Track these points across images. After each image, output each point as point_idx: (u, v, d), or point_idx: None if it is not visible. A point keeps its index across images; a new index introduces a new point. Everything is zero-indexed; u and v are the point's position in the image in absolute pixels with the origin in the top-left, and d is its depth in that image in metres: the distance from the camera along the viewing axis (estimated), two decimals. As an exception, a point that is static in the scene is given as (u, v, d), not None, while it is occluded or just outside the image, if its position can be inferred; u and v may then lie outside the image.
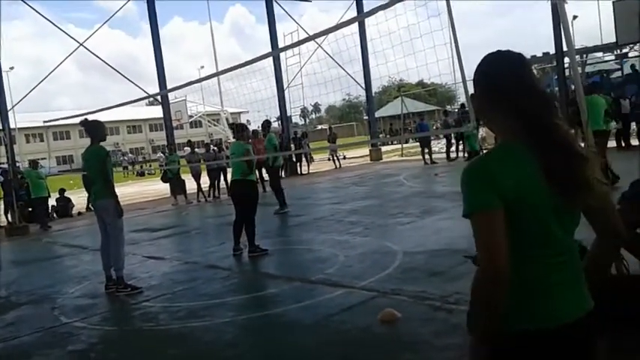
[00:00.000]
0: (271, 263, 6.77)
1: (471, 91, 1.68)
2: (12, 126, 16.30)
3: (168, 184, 16.62)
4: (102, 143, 6.21)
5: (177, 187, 16.07)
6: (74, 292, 6.35)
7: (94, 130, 6.18)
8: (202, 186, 15.79)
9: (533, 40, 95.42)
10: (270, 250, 7.25)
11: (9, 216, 14.38)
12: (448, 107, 39.79)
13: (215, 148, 19.05)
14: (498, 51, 1.63)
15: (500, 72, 1.57)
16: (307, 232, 8.72)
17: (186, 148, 22.61)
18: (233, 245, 7.34)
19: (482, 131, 19.88)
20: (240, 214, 7.31)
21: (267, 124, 12.62)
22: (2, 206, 14.85)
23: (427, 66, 8.85)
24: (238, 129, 8.03)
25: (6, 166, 15.90)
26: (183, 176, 16.28)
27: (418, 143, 20.50)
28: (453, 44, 4.49)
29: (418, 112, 30.98)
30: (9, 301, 6.35)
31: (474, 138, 15.37)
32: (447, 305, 4.33)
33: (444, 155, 19.14)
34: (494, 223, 1.44)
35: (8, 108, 15.89)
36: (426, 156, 18.49)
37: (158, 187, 19.21)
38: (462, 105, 18.15)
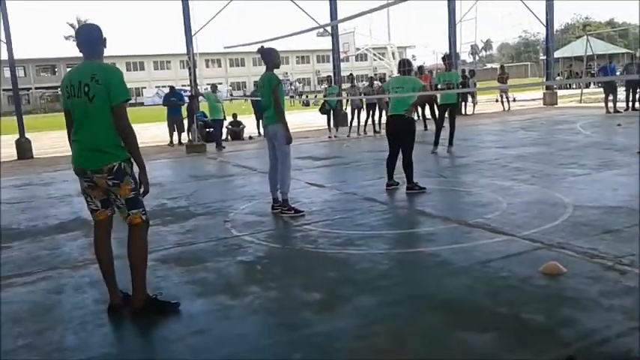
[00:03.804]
0: (428, 202, 6.72)
1: None
2: (195, 51, 17.60)
3: (325, 116, 16.85)
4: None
5: (336, 119, 16.36)
6: (244, 209, 6.89)
7: (269, 57, 6.40)
8: (362, 120, 15.97)
9: None
10: (429, 190, 7.19)
11: (190, 135, 15.85)
12: (641, 50, 35.21)
13: (379, 82, 18.94)
14: None
15: None
16: (468, 174, 8.49)
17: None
18: (387, 180, 7.42)
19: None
20: (395, 149, 7.33)
21: (445, 58, 12.13)
22: (186, 126, 16.35)
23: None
24: (405, 64, 7.88)
25: (189, 88, 17.38)
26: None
27: (601, 89, 18.62)
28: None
29: (604, 54, 27.87)
30: (188, 210, 7.08)
31: None
32: (620, 266, 4.00)
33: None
34: None
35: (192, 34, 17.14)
36: (610, 104, 16.74)
37: (322, 118, 19.77)
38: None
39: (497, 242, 4.81)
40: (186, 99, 16.61)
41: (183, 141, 16.24)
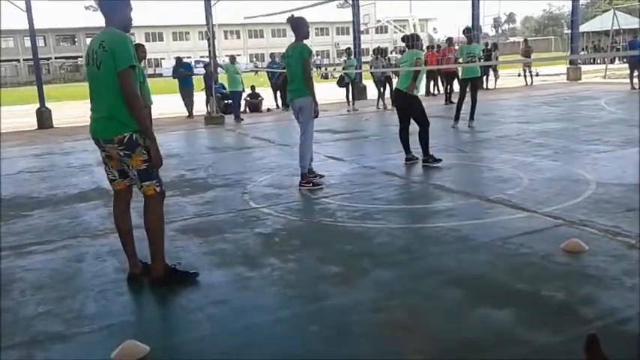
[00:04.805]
0: (448, 177, 6.65)
1: None
2: (213, 22, 17.43)
3: (343, 89, 16.49)
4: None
5: (354, 92, 16.15)
6: (262, 181, 6.89)
7: (299, 26, 6.22)
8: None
9: None
10: (449, 164, 7.11)
11: (208, 106, 15.79)
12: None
13: (398, 55, 18.67)
14: None
15: None
16: (489, 149, 8.37)
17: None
18: (405, 155, 7.37)
19: None
20: (403, 122, 7.31)
21: (467, 30, 11.76)
22: (204, 97, 16.28)
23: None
24: (412, 39, 7.69)
25: (207, 60, 17.21)
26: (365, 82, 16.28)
27: (627, 64, 18.17)
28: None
29: (631, 28, 27.09)
30: (207, 182, 7.09)
31: None
32: (644, 245, 3.93)
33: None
34: None
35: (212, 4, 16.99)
36: (635, 80, 16.36)
37: (341, 91, 19.61)
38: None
39: (518, 218, 4.75)
40: (197, 71, 16.32)
41: (200, 112, 16.13)
